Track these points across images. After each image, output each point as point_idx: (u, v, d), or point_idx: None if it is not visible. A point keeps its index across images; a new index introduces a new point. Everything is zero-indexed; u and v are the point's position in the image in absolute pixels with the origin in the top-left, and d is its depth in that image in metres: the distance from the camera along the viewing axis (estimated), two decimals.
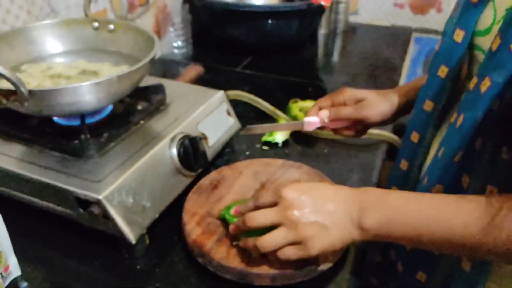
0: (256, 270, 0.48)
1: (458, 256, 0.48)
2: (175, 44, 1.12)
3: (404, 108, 0.62)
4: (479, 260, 0.47)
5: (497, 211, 0.39)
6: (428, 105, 0.54)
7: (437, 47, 0.53)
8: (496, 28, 0.44)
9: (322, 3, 0.98)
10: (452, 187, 0.47)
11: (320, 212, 0.45)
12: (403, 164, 0.59)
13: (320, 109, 0.63)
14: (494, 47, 0.42)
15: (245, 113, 0.85)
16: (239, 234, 0.51)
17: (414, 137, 0.56)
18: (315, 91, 0.96)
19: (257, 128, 0.62)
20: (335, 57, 1.21)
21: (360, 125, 0.62)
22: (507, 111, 0.40)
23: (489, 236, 0.39)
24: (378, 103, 0.60)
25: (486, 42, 0.46)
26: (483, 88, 0.42)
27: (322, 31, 1.31)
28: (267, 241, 0.46)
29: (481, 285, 0.48)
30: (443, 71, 0.52)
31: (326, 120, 0.61)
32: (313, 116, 0.62)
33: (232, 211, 0.53)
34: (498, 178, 0.43)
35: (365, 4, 1.42)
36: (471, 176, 0.45)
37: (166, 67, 1.09)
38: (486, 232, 0.39)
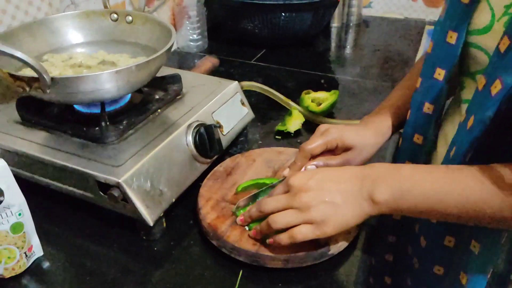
0: (268, 252, 0.50)
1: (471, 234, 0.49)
2: (190, 37, 1.13)
3: (397, 127, 0.61)
4: (488, 240, 0.47)
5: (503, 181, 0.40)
6: (428, 108, 0.55)
7: (428, 50, 0.53)
8: (497, 26, 0.44)
9: None
10: None
11: (329, 192, 0.47)
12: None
13: (311, 158, 0.57)
14: (503, 48, 0.41)
15: (259, 104, 0.86)
16: (250, 223, 0.53)
17: (417, 138, 0.57)
18: (328, 83, 0.97)
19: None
20: (348, 50, 1.22)
21: None
22: None
23: (506, 202, 0.40)
24: (365, 150, 0.58)
25: (486, 41, 0.46)
26: (494, 90, 0.42)
27: (335, 24, 1.31)
28: (279, 217, 0.47)
29: (492, 265, 0.48)
30: (439, 74, 0.52)
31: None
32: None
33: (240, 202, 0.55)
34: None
35: None
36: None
37: (182, 60, 1.11)
38: (501, 198, 0.40)
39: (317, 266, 0.51)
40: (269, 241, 0.50)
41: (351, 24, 1.32)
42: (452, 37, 0.50)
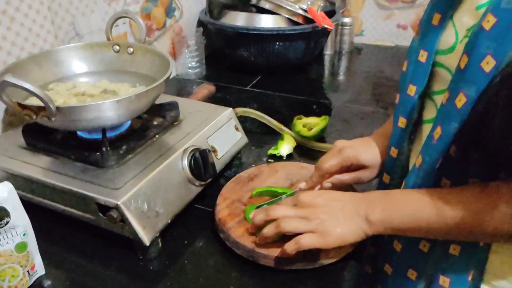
0: (263, 250, 0.55)
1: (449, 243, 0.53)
2: (189, 65, 1.18)
3: None
4: (468, 245, 0.51)
5: (487, 198, 0.46)
6: (402, 122, 0.59)
7: (404, 68, 0.58)
8: (460, 46, 0.48)
9: (326, 26, 1.04)
10: None
11: (334, 210, 0.53)
12: (385, 178, 0.63)
13: (331, 174, 0.63)
14: (463, 65, 0.46)
15: (253, 128, 0.90)
16: (258, 230, 0.57)
17: (393, 152, 0.61)
18: (319, 108, 1.01)
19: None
20: (340, 76, 1.27)
21: None
22: (479, 120, 0.44)
23: (481, 221, 0.46)
24: (376, 168, 0.64)
25: (449, 60, 0.51)
26: (459, 103, 0.46)
27: (328, 52, 1.37)
28: (289, 221, 0.53)
29: (472, 269, 0.52)
30: (411, 90, 0.56)
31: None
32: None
33: (251, 215, 0.60)
34: (473, 174, 0.48)
35: (370, 26, 1.48)
36: (450, 178, 0.50)
37: (181, 86, 1.16)
38: (478, 217, 0.46)
39: (307, 272, 0.55)
40: (258, 239, 0.56)
41: (343, 52, 1.38)
42: (423, 56, 0.55)
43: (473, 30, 0.46)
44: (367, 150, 0.64)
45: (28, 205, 0.54)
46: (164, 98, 0.77)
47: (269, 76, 1.19)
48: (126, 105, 0.60)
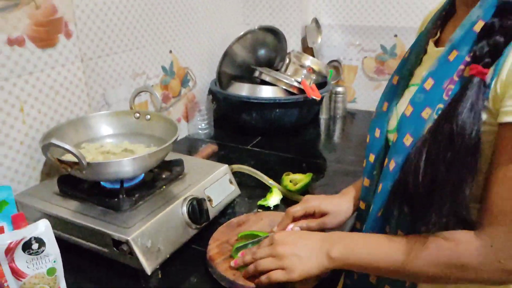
0: (242, 282, 0.68)
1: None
2: (199, 126, 1.37)
3: None
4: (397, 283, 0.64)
5: (411, 247, 0.58)
6: (371, 158, 0.72)
7: (367, 140, 0.73)
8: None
9: (314, 97, 1.22)
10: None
11: (300, 247, 0.66)
12: (362, 205, 0.76)
13: (293, 220, 0.78)
14: (394, 139, 0.62)
15: (247, 182, 1.05)
16: (241, 266, 0.71)
17: (366, 182, 0.74)
18: (308, 166, 1.16)
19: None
20: (332, 138, 1.43)
21: None
22: (405, 180, 0.58)
23: (411, 264, 0.58)
24: (340, 215, 0.78)
25: (394, 137, 0.66)
26: (391, 167, 0.61)
27: (323, 116, 1.54)
28: (262, 263, 0.66)
29: None
30: (371, 157, 0.72)
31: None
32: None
33: (239, 254, 0.73)
34: (403, 226, 0.62)
35: (361, 95, 1.65)
36: (390, 226, 0.63)
37: (192, 144, 1.33)
38: (407, 261, 0.58)
39: None
40: (243, 274, 0.70)
41: (337, 116, 1.55)
42: (377, 133, 0.71)
43: (401, 115, 0.62)
44: (329, 200, 0.78)
45: (57, 239, 0.69)
46: (173, 156, 0.93)
47: (268, 138, 1.36)
48: (140, 162, 0.77)
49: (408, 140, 0.59)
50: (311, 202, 0.78)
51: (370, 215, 0.66)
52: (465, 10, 0.60)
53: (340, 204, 0.78)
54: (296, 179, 1.01)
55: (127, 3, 1.08)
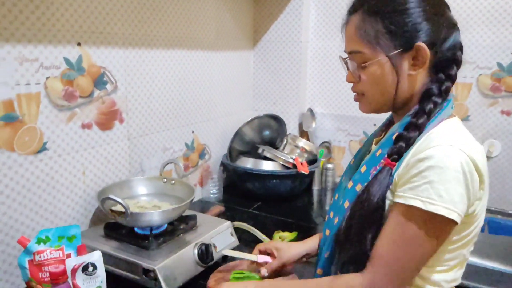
0: None
1: None
2: (211, 191, 1.68)
3: None
4: None
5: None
6: (327, 232, 1.00)
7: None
8: None
9: (303, 171, 1.54)
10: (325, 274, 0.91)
11: None
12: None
13: (260, 252, 1.04)
14: (340, 202, 0.91)
15: (246, 237, 1.33)
16: None
17: (327, 232, 1.00)
18: (295, 227, 1.44)
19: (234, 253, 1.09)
20: (324, 206, 1.71)
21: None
22: (337, 229, 0.86)
23: None
24: (290, 251, 1.00)
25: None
26: (335, 220, 0.89)
27: (316, 187, 1.84)
28: None
29: None
30: (331, 215, 0.99)
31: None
32: (262, 256, 1.05)
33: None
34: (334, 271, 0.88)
35: None
36: (336, 266, 0.90)
37: (204, 205, 1.64)
38: None
39: None
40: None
41: (328, 188, 1.84)
42: (336, 196, 0.98)
43: (345, 187, 0.92)
44: (284, 242, 1.06)
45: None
46: (189, 212, 1.24)
47: (267, 203, 1.66)
48: (166, 215, 1.08)
49: (346, 204, 0.89)
50: (269, 244, 1.05)
51: (321, 256, 0.93)
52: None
53: (290, 245, 1.04)
54: (284, 236, 1.29)
55: (163, 98, 1.46)
